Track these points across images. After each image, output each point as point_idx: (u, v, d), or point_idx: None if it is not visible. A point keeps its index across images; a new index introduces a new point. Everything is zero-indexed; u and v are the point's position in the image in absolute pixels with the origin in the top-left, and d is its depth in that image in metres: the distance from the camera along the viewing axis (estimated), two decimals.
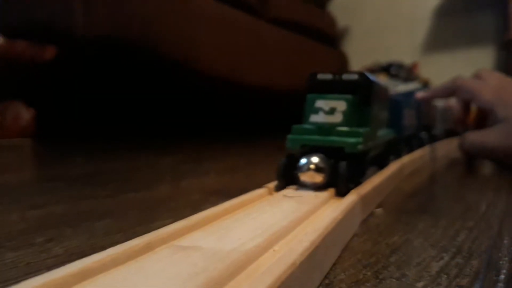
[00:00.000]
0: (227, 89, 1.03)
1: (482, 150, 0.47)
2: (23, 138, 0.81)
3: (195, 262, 0.13)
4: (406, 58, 1.55)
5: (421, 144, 0.50)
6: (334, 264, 0.17)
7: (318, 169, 0.23)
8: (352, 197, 0.22)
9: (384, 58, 1.53)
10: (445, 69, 1.48)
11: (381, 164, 0.34)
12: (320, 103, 0.26)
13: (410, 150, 0.45)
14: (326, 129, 0.25)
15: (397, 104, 0.40)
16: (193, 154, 0.67)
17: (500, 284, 0.16)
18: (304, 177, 0.24)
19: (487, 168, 0.50)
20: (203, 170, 0.49)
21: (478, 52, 1.48)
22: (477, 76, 0.52)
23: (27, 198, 0.32)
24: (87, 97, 0.85)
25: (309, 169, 0.23)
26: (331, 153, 0.24)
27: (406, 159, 0.40)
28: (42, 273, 0.12)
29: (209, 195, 0.31)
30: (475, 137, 0.48)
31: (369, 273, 0.17)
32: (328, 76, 0.27)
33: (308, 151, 0.25)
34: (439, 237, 0.22)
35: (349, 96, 0.25)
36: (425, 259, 0.18)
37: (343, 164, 0.24)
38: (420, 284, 0.16)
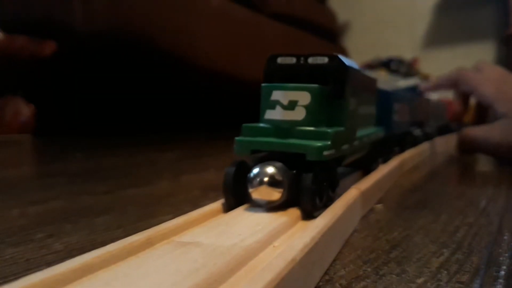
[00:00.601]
0: (227, 84, 1.03)
1: (484, 145, 0.47)
2: (23, 134, 0.81)
3: (195, 258, 0.13)
4: (406, 53, 1.54)
5: (414, 143, 0.45)
6: (334, 260, 0.17)
7: (274, 183, 0.18)
8: (352, 192, 0.22)
9: (384, 53, 1.53)
10: (446, 64, 1.47)
11: (367, 168, 0.30)
12: (277, 95, 0.20)
13: (402, 150, 0.41)
14: (284, 129, 0.20)
15: (386, 98, 0.35)
16: (193, 150, 0.67)
17: (500, 280, 0.16)
18: (256, 194, 0.18)
19: (486, 163, 0.50)
20: (203, 166, 0.49)
21: (479, 47, 1.47)
22: (477, 68, 0.52)
23: (27, 194, 0.32)
24: (87, 93, 0.85)
25: (261, 183, 0.18)
26: (294, 161, 0.19)
27: (406, 155, 0.40)
28: (42, 269, 0.12)
29: (209, 191, 0.31)
30: (476, 132, 0.48)
31: (369, 269, 0.17)
32: (291, 60, 0.21)
33: (265, 158, 0.20)
34: (439, 233, 0.22)
35: (314, 86, 0.20)
36: (425, 255, 0.18)
37: (308, 177, 0.18)
38: (420, 280, 0.16)
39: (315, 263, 0.15)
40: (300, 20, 1.33)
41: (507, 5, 1.34)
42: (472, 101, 0.58)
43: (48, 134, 0.81)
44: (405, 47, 1.60)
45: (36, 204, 0.28)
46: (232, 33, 1.01)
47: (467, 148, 0.49)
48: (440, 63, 1.51)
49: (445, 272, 0.16)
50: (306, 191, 0.18)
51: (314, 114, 0.20)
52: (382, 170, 0.31)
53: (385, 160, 0.34)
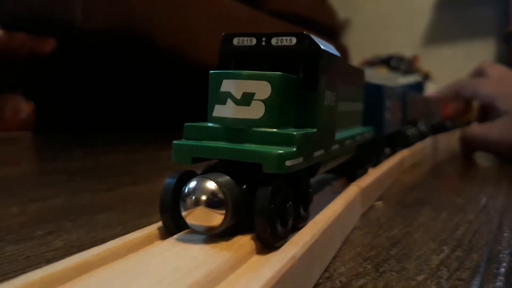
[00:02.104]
0: None
1: (485, 143, 0.47)
2: (23, 131, 0.80)
3: (195, 256, 0.13)
4: (406, 50, 1.54)
5: (407, 144, 0.42)
6: (334, 257, 0.17)
7: (214, 202, 0.14)
8: (352, 189, 0.22)
9: (384, 51, 1.52)
10: (446, 61, 1.48)
11: (352, 175, 0.26)
12: (227, 86, 0.16)
13: (393, 151, 0.38)
14: (236, 130, 0.16)
15: (376, 93, 0.31)
16: None
17: (501, 277, 0.16)
18: (191, 218, 0.14)
19: (487, 161, 0.50)
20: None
21: (479, 45, 1.47)
22: (478, 69, 0.52)
23: (26, 191, 0.32)
24: (86, 91, 0.85)
25: (198, 203, 0.14)
26: (248, 172, 0.15)
27: (406, 152, 0.40)
28: (42, 266, 0.12)
29: None
30: (477, 130, 0.48)
31: (369, 266, 0.17)
32: (250, 41, 0.17)
33: (216, 167, 0.16)
34: (440, 230, 0.22)
35: (275, 74, 0.15)
36: (425, 252, 0.18)
37: (263, 194, 0.14)
38: (420, 277, 0.16)
39: (315, 261, 0.15)
40: (300, 18, 1.33)
41: (508, 2, 1.34)
42: (475, 104, 0.58)
43: (47, 131, 0.81)
44: (405, 44, 1.60)
45: (36, 202, 0.28)
46: (232, 30, 1.00)
47: (469, 147, 0.50)
48: (440, 61, 1.51)
49: (445, 269, 0.16)
50: (261, 213, 0.14)
51: (276, 111, 0.15)
52: (382, 167, 0.30)
53: (374, 164, 0.30)
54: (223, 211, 0.14)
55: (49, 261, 0.17)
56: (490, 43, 1.47)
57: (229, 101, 0.16)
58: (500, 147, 0.45)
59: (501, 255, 0.18)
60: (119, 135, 0.81)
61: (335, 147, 0.19)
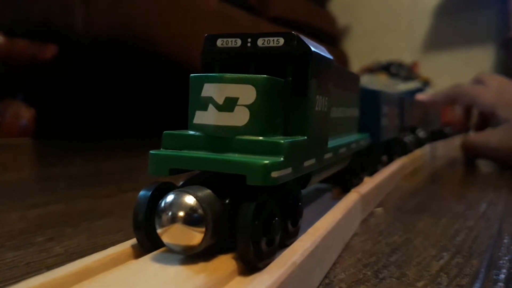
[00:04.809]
0: None
1: (485, 150, 0.47)
2: (23, 137, 0.81)
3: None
4: (406, 57, 1.54)
5: (404, 151, 0.41)
6: (334, 264, 0.17)
7: (192, 220, 0.13)
8: (352, 196, 0.22)
9: (384, 57, 1.53)
10: (446, 68, 1.48)
11: (347, 184, 0.25)
12: (209, 90, 0.14)
13: (391, 159, 0.37)
14: (219, 139, 0.14)
15: (372, 98, 0.30)
16: None
17: (500, 284, 0.16)
18: (167, 237, 0.13)
19: (487, 167, 0.50)
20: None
21: (478, 51, 1.48)
22: (477, 80, 0.53)
23: (27, 197, 0.32)
24: (87, 97, 0.85)
25: (174, 220, 0.13)
26: (232, 185, 0.14)
27: (406, 159, 0.40)
28: (42, 272, 0.12)
29: None
30: (478, 137, 0.49)
31: (369, 273, 0.17)
32: (234, 42, 0.16)
33: (197, 179, 0.15)
34: (439, 236, 0.22)
35: (261, 78, 0.14)
36: (425, 259, 0.18)
37: (247, 208, 0.13)
38: (420, 283, 0.16)
39: (315, 267, 0.15)
40: (300, 24, 1.33)
41: (507, 9, 1.35)
42: (475, 111, 0.58)
43: (48, 137, 0.81)
44: (405, 51, 1.60)
45: (36, 208, 0.28)
46: None
47: (470, 153, 0.50)
48: (440, 67, 1.51)
49: (445, 275, 0.16)
50: (243, 231, 0.13)
51: (262, 117, 0.14)
52: (383, 174, 0.30)
53: (371, 173, 0.30)
54: (203, 229, 0.13)
55: (49, 267, 0.17)
56: (490, 49, 1.47)
57: (210, 106, 0.14)
58: (500, 154, 0.45)
59: (501, 261, 0.18)
60: (119, 141, 0.81)
61: (328, 155, 0.18)
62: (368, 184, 0.26)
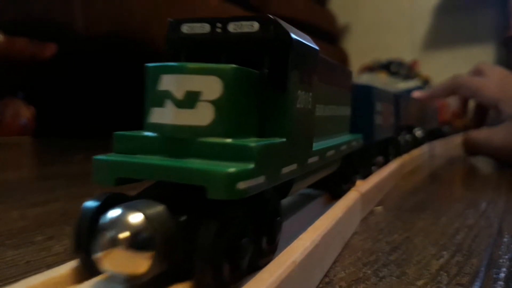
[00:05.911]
0: None
1: (487, 148, 0.47)
2: (23, 136, 0.81)
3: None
4: (406, 55, 1.54)
5: (400, 152, 0.39)
6: (334, 262, 0.17)
7: (138, 242, 0.10)
8: (352, 195, 0.22)
9: (384, 56, 1.52)
10: (446, 66, 1.48)
11: (336, 190, 0.23)
12: (167, 83, 0.12)
13: (386, 160, 0.35)
14: (178, 141, 0.12)
15: (365, 95, 0.27)
16: None
17: (500, 282, 0.16)
18: (107, 263, 0.10)
19: (487, 166, 0.50)
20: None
21: (479, 49, 1.48)
22: (477, 70, 0.52)
23: (27, 196, 0.32)
24: (86, 95, 0.85)
25: (115, 242, 0.10)
26: (192, 198, 0.12)
27: (405, 157, 0.40)
28: (42, 271, 0.12)
29: None
30: (480, 135, 0.48)
31: (369, 271, 0.17)
32: (202, 28, 0.14)
33: (152, 190, 0.13)
34: (439, 235, 0.22)
35: (229, 68, 0.12)
36: (425, 257, 0.18)
37: (206, 228, 0.11)
38: (420, 282, 0.16)
39: (315, 266, 0.15)
40: (300, 23, 1.33)
41: (507, 7, 1.35)
42: (471, 104, 0.58)
43: (48, 136, 0.81)
44: (405, 49, 1.60)
45: (36, 206, 0.28)
46: None
47: (471, 151, 0.50)
48: (440, 66, 1.51)
49: (445, 274, 0.16)
50: (202, 254, 0.10)
51: (230, 115, 0.12)
52: (382, 173, 0.30)
53: (365, 176, 0.28)
54: (151, 253, 0.10)
55: (49, 266, 0.17)
56: (490, 48, 1.47)
57: (168, 102, 0.12)
58: (503, 152, 0.45)
59: (500, 260, 0.18)
60: None
61: (313, 159, 0.16)
62: (368, 183, 0.26)
